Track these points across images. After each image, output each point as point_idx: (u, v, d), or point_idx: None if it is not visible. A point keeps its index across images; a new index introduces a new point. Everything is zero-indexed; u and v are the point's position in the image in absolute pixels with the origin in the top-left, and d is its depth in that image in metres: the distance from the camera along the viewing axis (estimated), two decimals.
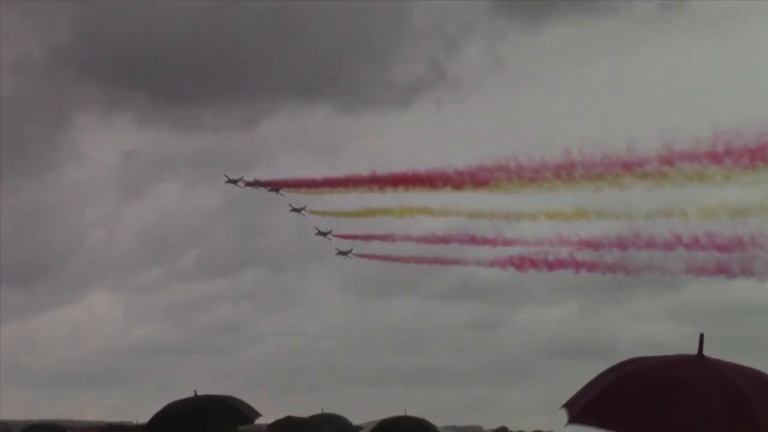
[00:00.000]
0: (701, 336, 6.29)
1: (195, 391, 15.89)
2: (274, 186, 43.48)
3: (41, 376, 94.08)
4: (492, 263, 30.59)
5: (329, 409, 21.76)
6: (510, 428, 54.16)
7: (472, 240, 30.42)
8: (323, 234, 43.31)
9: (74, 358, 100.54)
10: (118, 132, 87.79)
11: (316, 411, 24.99)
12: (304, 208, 42.67)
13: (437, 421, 27.51)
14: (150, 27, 62.17)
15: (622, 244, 25.61)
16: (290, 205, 43.02)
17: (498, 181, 26.58)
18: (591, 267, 26.90)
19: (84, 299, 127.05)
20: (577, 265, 27.17)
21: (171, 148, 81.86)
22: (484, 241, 30.07)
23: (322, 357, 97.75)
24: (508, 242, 29.38)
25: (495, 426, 50.57)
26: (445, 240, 31.63)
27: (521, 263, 28.87)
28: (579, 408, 6.19)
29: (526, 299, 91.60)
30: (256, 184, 44.65)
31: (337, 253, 44.66)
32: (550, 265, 27.85)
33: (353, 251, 43.70)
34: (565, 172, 25.28)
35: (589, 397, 6.27)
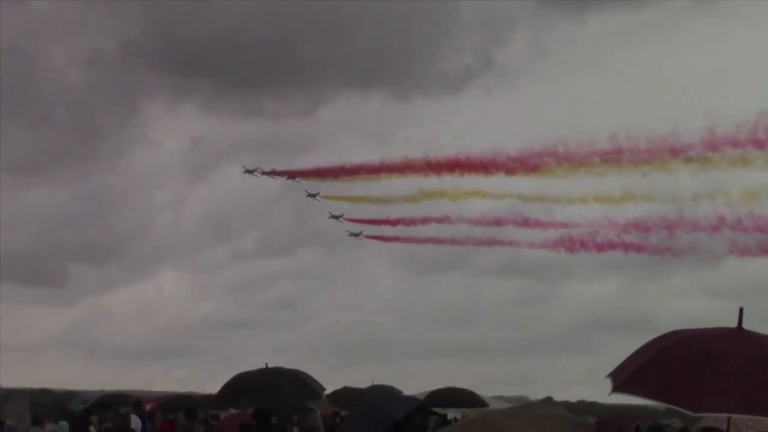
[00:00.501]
0: (741, 309, 6.24)
1: (266, 364, 15.92)
2: (290, 175, 43.48)
3: (114, 349, 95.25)
4: (543, 245, 30.48)
5: (382, 381, 21.92)
6: (555, 398, 53.60)
7: (525, 222, 30.32)
8: (336, 217, 43.34)
9: (144, 333, 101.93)
10: (184, 119, 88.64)
11: (370, 383, 25.17)
12: (318, 194, 42.59)
13: (485, 392, 27.60)
14: (214, 20, 62.84)
15: (668, 225, 25.46)
16: (306, 190, 43.05)
17: (548, 165, 26.55)
18: (638, 248, 26.80)
19: (153, 277, 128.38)
20: (625, 246, 27.06)
21: (234, 135, 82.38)
22: (536, 224, 29.98)
23: (376, 332, 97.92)
24: (558, 224, 29.27)
25: (541, 396, 50.13)
26: (498, 222, 31.52)
27: (571, 244, 28.77)
28: (623, 378, 6.19)
29: (571, 276, 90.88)
30: (272, 173, 44.53)
31: (349, 235, 44.76)
32: (599, 247, 27.76)
33: (363, 233, 43.77)
34: (613, 157, 25.20)
35: (633, 368, 6.26)
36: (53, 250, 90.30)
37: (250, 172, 45.16)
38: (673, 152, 24.13)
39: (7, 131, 75.97)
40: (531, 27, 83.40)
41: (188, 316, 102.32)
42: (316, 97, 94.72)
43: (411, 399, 16.17)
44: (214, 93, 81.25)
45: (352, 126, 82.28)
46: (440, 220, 32.49)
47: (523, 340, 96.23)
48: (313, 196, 43.14)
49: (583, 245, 27.96)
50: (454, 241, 33.83)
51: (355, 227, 43.55)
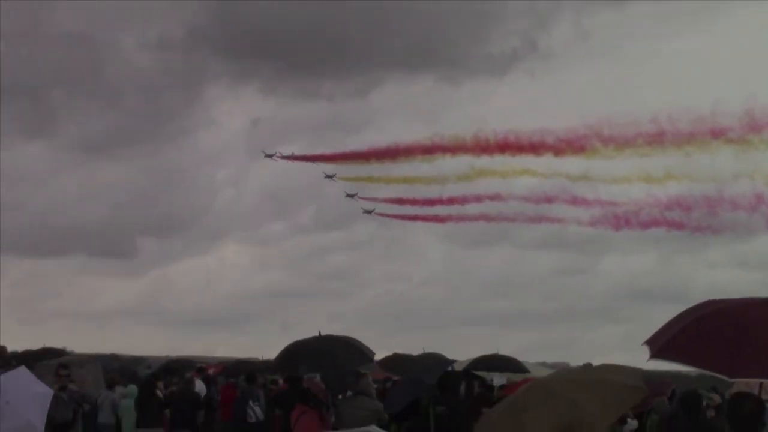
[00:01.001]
0: None
1: (319, 332, 16.10)
2: (308, 159, 43.37)
3: (178, 317, 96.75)
4: (590, 222, 30.36)
5: (430, 348, 21.97)
6: (594, 364, 53.77)
7: (572, 200, 30.20)
8: (351, 196, 43.23)
9: (207, 302, 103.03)
10: (245, 101, 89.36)
11: (419, 349, 25.25)
12: (335, 175, 42.49)
13: (528, 358, 27.67)
14: (274, 8, 63.46)
15: (709, 204, 25.31)
16: (324, 172, 42.76)
17: (594, 146, 26.45)
18: (679, 226, 26.67)
19: (216, 250, 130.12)
20: (668, 224, 26.92)
21: (292, 116, 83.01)
22: (583, 201, 29.85)
23: (426, 301, 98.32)
24: (604, 203, 29.11)
25: (580, 362, 50.22)
26: (546, 200, 31.38)
27: (616, 222, 28.65)
28: (660, 345, 6.21)
29: (610, 250, 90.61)
30: (290, 157, 44.38)
31: (363, 212, 44.62)
32: (643, 224, 27.66)
33: (375, 211, 43.66)
34: (656, 138, 25.08)
35: (670, 335, 6.26)
36: (123, 224, 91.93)
37: (269, 156, 45.01)
38: (714, 133, 23.97)
39: (80, 113, 77.50)
40: (573, 12, 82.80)
41: (248, 287, 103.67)
42: (368, 80, 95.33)
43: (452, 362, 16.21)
44: (274, 76, 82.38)
45: (403, 107, 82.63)
46: (492, 198, 32.34)
47: (564, 309, 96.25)
48: (330, 177, 42.92)
49: (627, 223, 27.87)
50: (504, 218, 33.71)
51: (369, 204, 43.37)
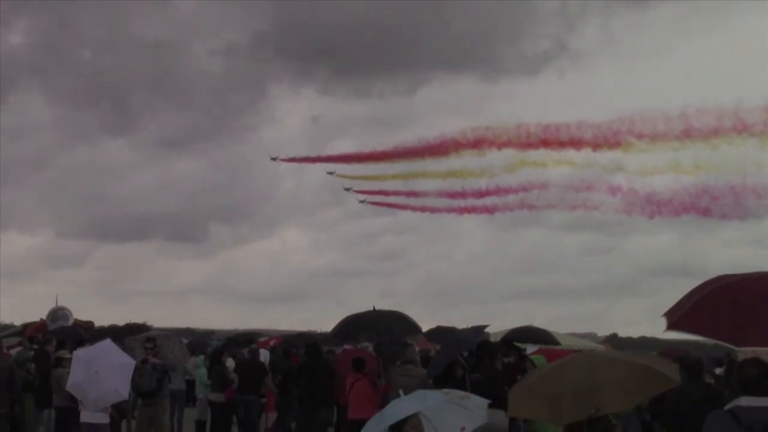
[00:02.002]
0: None
1: (374, 307, 16.27)
2: (310, 161, 42.85)
3: (245, 295, 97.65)
4: (625, 210, 30.03)
5: (471, 321, 22.10)
6: (619, 334, 52.97)
7: (609, 189, 29.93)
8: (347, 189, 42.76)
9: (271, 281, 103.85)
10: (305, 100, 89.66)
11: (462, 322, 25.35)
12: (334, 172, 41.87)
13: (559, 329, 27.59)
14: (330, 15, 64.37)
15: (735, 192, 25.10)
16: (325, 170, 42.07)
17: (628, 139, 26.33)
18: (706, 212, 26.43)
19: (278, 234, 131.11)
20: (697, 211, 26.69)
21: (347, 113, 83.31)
22: (618, 190, 29.57)
23: (466, 278, 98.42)
24: (638, 192, 28.80)
25: (607, 333, 49.66)
26: (584, 189, 31.06)
27: (650, 210, 28.40)
28: (677, 316, 6.23)
29: (632, 231, 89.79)
30: (293, 160, 43.88)
31: (360, 201, 44.02)
32: (675, 212, 27.43)
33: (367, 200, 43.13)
34: (684, 133, 24.94)
35: (686, 308, 6.26)
36: (195, 212, 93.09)
37: (274, 159, 44.72)
38: (738, 128, 23.78)
39: (158, 112, 78.49)
40: (599, 15, 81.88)
41: (308, 267, 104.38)
42: (416, 79, 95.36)
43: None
44: (330, 77, 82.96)
45: (447, 104, 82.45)
46: (534, 188, 32.06)
47: (592, 285, 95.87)
48: (330, 173, 42.44)
49: (660, 210, 27.67)
50: (545, 206, 33.44)
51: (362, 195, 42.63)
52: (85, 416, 13.97)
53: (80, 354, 14.33)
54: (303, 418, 16.23)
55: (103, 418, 13.94)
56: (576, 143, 27.96)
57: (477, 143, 31.10)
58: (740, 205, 25.05)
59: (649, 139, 25.89)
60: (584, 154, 28.32)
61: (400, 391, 7.30)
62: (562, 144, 28.40)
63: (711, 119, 24.31)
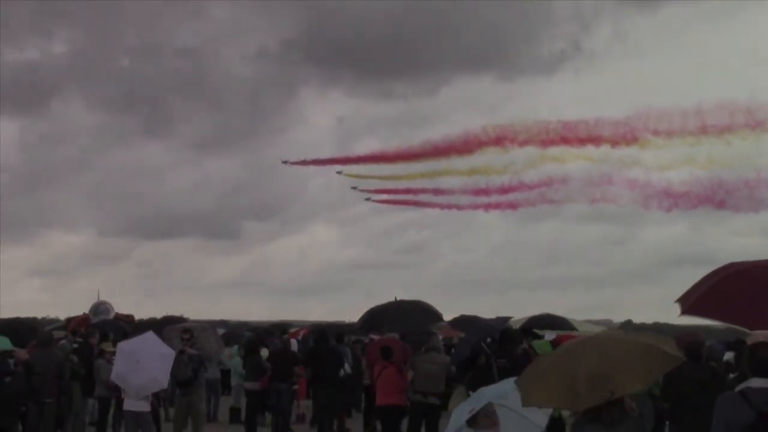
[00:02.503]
0: None
1: (395, 297, 16.34)
2: (319, 163, 42.18)
3: (277, 288, 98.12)
4: (642, 203, 29.85)
5: (491, 310, 22.17)
6: (634, 320, 52.66)
7: (627, 184, 29.73)
8: (354, 188, 42.02)
9: (301, 274, 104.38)
10: (332, 102, 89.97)
11: (484, 311, 25.37)
12: (342, 171, 41.30)
13: (576, 317, 27.49)
14: (356, 21, 64.78)
15: (749, 186, 25.02)
16: (335, 170, 41.59)
17: (645, 135, 26.25)
18: (721, 204, 26.31)
19: (308, 230, 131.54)
20: (713, 203, 26.59)
21: (372, 114, 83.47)
22: (635, 185, 29.38)
23: (488, 270, 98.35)
24: (654, 186, 28.64)
25: (622, 320, 49.45)
26: (602, 183, 30.84)
27: (667, 203, 28.28)
28: (690, 302, 6.25)
29: (647, 222, 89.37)
30: (301, 163, 43.10)
31: (365, 199, 43.29)
32: (692, 205, 27.33)
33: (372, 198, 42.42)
34: (700, 129, 24.87)
35: (699, 293, 6.29)
36: (229, 210, 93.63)
37: (285, 162, 44.25)
38: (750, 123, 23.69)
39: (192, 116, 78.96)
40: (612, 16, 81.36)
41: (335, 260, 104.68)
42: (437, 80, 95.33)
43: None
44: (356, 80, 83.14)
45: (467, 104, 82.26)
46: (555, 183, 31.86)
47: (607, 274, 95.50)
48: (339, 172, 41.86)
49: (677, 203, 27.56)
50: (565, 201, 33.23)
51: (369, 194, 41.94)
52: (128, 404, 14.16)
53: (124, 345, 14.52)
54: (317, 399, 16.80)
55: (145, 407, 14.09)
56: (595, 139, 27.84)
57: (499, 140, 30.92)
58: (754, 197, 24.96)
59: (666, 134, 25.81)
60: (603, 150, 28.20)
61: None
62: (581, 140, 28.28)
63: (725, 115, 24.22)
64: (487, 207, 34.44)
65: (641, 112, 26.54)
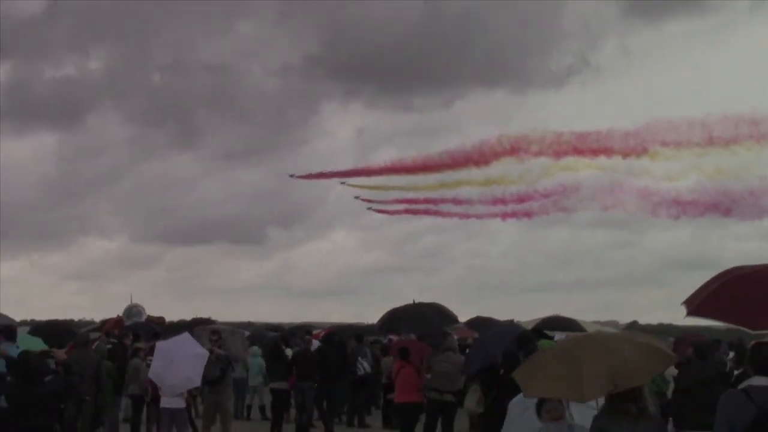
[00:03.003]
0: None
1: (414, 300, 16.39)
2: (325, 177, 41.41)
3: (300, 291, 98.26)
4: (651, 211, 29.77)
5: (504, 311, 22.17)
6: (639, 321, 52.44)
7: (637, 192, 29.65)
8: (357, 197, 41.25)
9: (323, 278, 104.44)
10: (352, 114, 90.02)
11: (497, 313, 25.35)
12: (345, 182, 40.49)
13: (584, 317, 27.47)
14: (375, 37, 64.93)
15: (754, 194, 25.03)
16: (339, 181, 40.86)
17: (654, 146, 26.28)
18: (727, 212, 26.29)
19: (329, 236, 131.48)
20: (718, 211, 26.56)
21: (390, 126, 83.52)
22: (646, 193, 29.31)
23: (500, 273, 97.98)
24: (663, 195, 28.57)
25: (628, 321, 49.29)
26: (613, 191, 30.73)
27: (676, 210, 28.23)
28: (695, 304, 6.25)
29: (652, 227, 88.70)
30: (307, 176, 42.22)
31: (367, 209, 42.17)
32: (699, 212, 27.27)
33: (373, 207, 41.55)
34: (706, 140, 24.92)
35: (703, 296, 6.26)
36: (254, 217, 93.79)
37: (292, 176, 43.58)
38: (754, 135, 23.72)
39: (220, 128, 79.27)
40: (617, 33, 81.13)
41: (355, 265, 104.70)
42: (452, 94, 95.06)
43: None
44: (375, 93, 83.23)
45: (481, 116, 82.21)
46: (568, 192, 31.70)
47: (614, 277, 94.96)
48: (342, 183, 41.11)
49: (684, 211, 27.54)
50: (578, 209, 33.06)
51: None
52: (164, 402, 14.30)
53: (161, 345, 14.69)
54: (319, 394, 17.18)
55: (179, 403, 14.23)
56: (607, 150, 27.80)
57: (514, 151, 30.83)
58: (758, 205, 24.94)
59: (674, 145, 25.82)
60: (614, 160, 28.14)
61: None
62: (594, 151, 28.23)
63: (730, 127, 24.24)
64: (504, 216, 34.24)
65: (651, 124, 26.54)
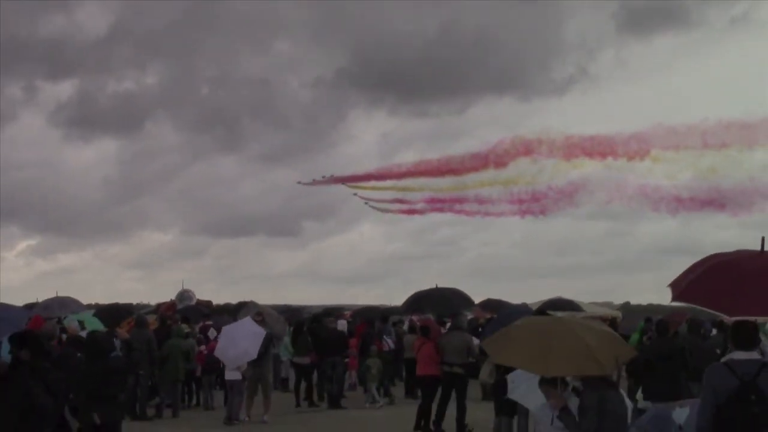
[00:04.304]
0: (762, 238, 6.12)
1: (436, 284, 16.48)
2: (333, 182, 40.07)
3: (331, 277, 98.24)
4: (652, 208, 29.59)
5: (512, 294, 22.13)
6: (631, 302, 52.25)
7: (638, 190, 29.47)
8: (355, 194, 39.59)
9: (351, 265, 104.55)
10: (376, 121, 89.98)
11: (507, 296, 25.28)
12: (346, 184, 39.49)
13: (583, 299, 27.45)
14: (396, 53, 65.47)
15: (745, 193, 24.93)
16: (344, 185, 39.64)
17: (654, 148, 26.26)
18: (721, 207, 26.23)
19: (356, 228, 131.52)
20: (714, 206, 26.46)
21: (409, 130, 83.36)
22: (646, 191, 29.14)
23: (509, 260, 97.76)
24: (663, 192, 28.39)
25: (621, 302, 49.08)
26: (622, 188, 30.51)
27: (674, 207, 28.09)
28: (680, 289, 6.13)
29: (642, 218, 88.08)
30: (314, 183, 40.49)
31: (364, 203, 40.25)
32: (695, 208, 27.15)
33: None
34: (702, 143, 24.91)
35: (687, 282, 6.13)
36: (291, 212, 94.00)
37: (299, 183, 42.12)
38: (745, 138, 23.61)
39: (261, 134, 79.81)
40: (612, 46, 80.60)
41: (381, 254, 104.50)
42: (465, 101, 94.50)
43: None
44: (396, 102, 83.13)
45: (491, 121, 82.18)
46: (578, 190, 31.42)
47: (609, 263, 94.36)
48: (355, 194, 39.44)
49: (682, 207, 27.43)
50: (585, 204, 32.77)
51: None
52: (228, 375, 15.16)
53: (227, 328, 15.64)
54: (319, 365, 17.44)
55: (238, 376, 14.93)
56: (613, 152, 27.66)
57: (528, 152, 30.62)
58: (749, 202, 24.85)
59: (673, 148, 25.77)
60: (619, 161, 27.99)
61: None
62: (602, 153, 28.12)
63: (724, 131, 24.18)
64: (523, 213, 33.95)
65: (653, 128, 26.49)
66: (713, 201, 25.86)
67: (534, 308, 15.42)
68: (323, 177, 39.43)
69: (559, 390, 6.43)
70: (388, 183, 35.72)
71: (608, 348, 6.27)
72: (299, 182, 42.07)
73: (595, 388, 6.21)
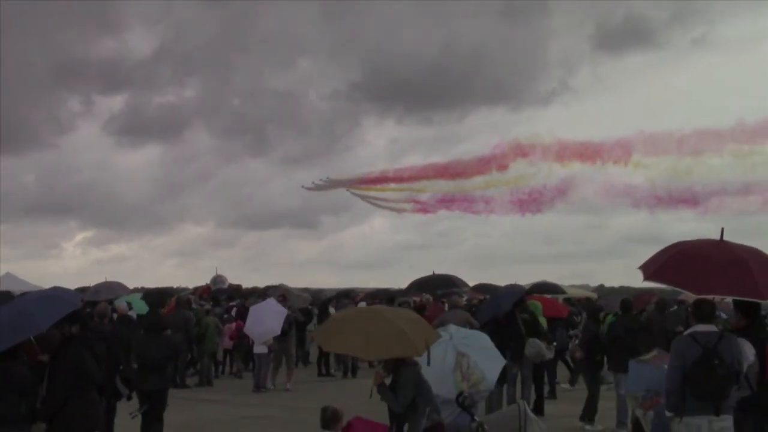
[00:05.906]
0: (722, 229, 6.22)
1: (433, 271, 16.58)
2: (336, 186, 39.20)
3: (346, 264, 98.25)
4: (633, 204, 29.33)
5: (503, 278, 22.05)
6: (605, 285, 52.18)
7: (623, 190, 29.24)
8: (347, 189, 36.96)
9: (363, 254, 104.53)
10: (386, 128, 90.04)
11: (498, 280, 25.15)
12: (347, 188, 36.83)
13: (564, 282, 27.27)
14: (404, 68, 66.02)
15: (717, 194, 24.75)
16: (346, 189, 36.90)
17: (635, 154, 26.10)
18: (695, 205, 26.03)
19: (368, 222, 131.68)
20: (687, 205, 26.28)
21: (415, 136, 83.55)
22: (628, 190, 28.90)
23: (500, 249, 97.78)
24: (646, 191, 28.17)
25: (596, 284, 48.99)
26: (607, 189, 30.26)
27: (654, 204, 27.84)
28: (651, 272, 6.13)
29: (615, 212, 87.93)
30: (317, 188, 39.41)
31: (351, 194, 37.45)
32: (672, 206, 26.93)
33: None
34: (678, 149, 24.72)
35: (658, 264, 6.14)
36: (311, 207, 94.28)
37: (302, 187, 40.61)
38: (719, 144, 23.37)
39: (285, 140, 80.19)
40: (590, 64, 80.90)
41: (388, 243, 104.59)
42: (464, 111, 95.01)
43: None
44: (404, 111, 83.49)
45: (486, 128, 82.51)
46: (569, 190, 31.17)
47: (586, 251, 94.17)
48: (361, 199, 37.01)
49: (660, 204, 27.21)
50: (574, 202, 32.51)
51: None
52: (256, 348, 15.22)
53: (254, 307, 15.56)
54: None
55: (264, 350, 15.04)
56: (600, 155, 27.46)
57: (525, 155, 30.39)
58: (722, 202, 24.66)
59: (653, 153, 25.60)
60: (607, 165, 27.79)
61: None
62: (592, 157, 27.94)
63: (698, 138, 23.99)
64: (523, 212, 33.61)
65: (635, 135, 26.28)
66: (688, 200, 25.65)
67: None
68: (321, 180, 38.66)
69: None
70: (404, 185, 35.60)
71: (420, 332, 6.39)
72: (302, 186, 40.65)
73: (411, 365, 6.44)
